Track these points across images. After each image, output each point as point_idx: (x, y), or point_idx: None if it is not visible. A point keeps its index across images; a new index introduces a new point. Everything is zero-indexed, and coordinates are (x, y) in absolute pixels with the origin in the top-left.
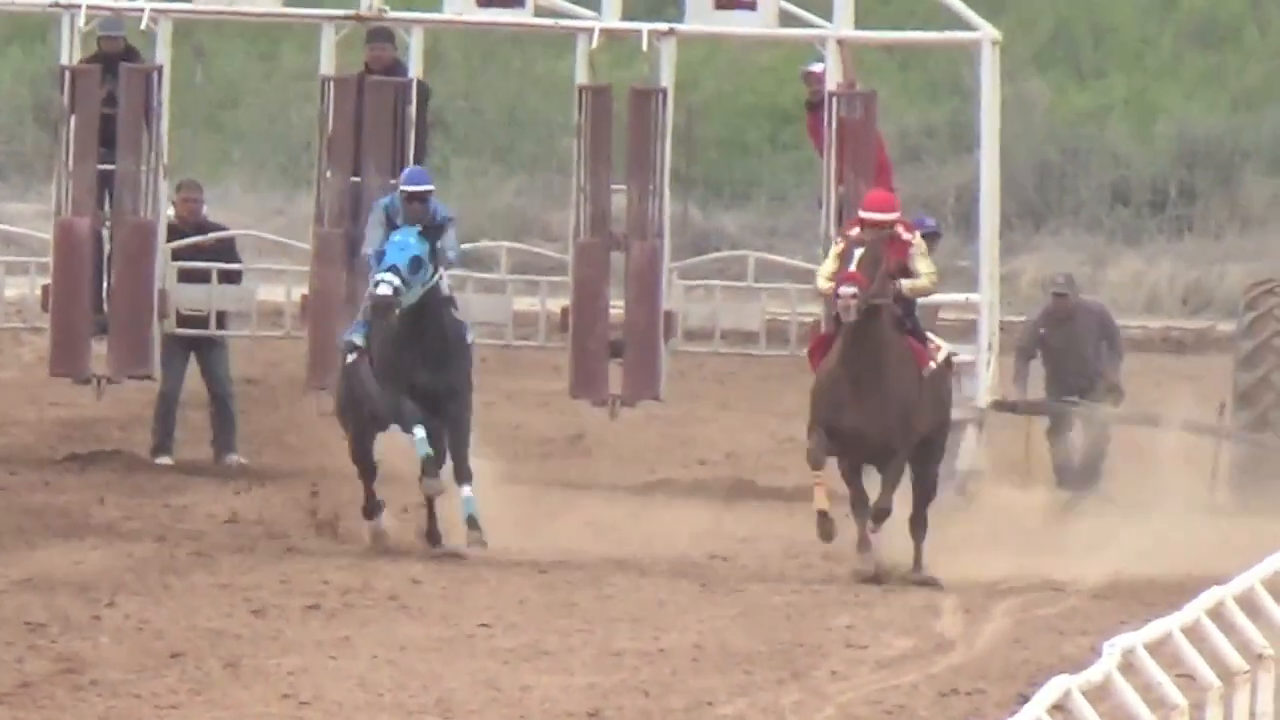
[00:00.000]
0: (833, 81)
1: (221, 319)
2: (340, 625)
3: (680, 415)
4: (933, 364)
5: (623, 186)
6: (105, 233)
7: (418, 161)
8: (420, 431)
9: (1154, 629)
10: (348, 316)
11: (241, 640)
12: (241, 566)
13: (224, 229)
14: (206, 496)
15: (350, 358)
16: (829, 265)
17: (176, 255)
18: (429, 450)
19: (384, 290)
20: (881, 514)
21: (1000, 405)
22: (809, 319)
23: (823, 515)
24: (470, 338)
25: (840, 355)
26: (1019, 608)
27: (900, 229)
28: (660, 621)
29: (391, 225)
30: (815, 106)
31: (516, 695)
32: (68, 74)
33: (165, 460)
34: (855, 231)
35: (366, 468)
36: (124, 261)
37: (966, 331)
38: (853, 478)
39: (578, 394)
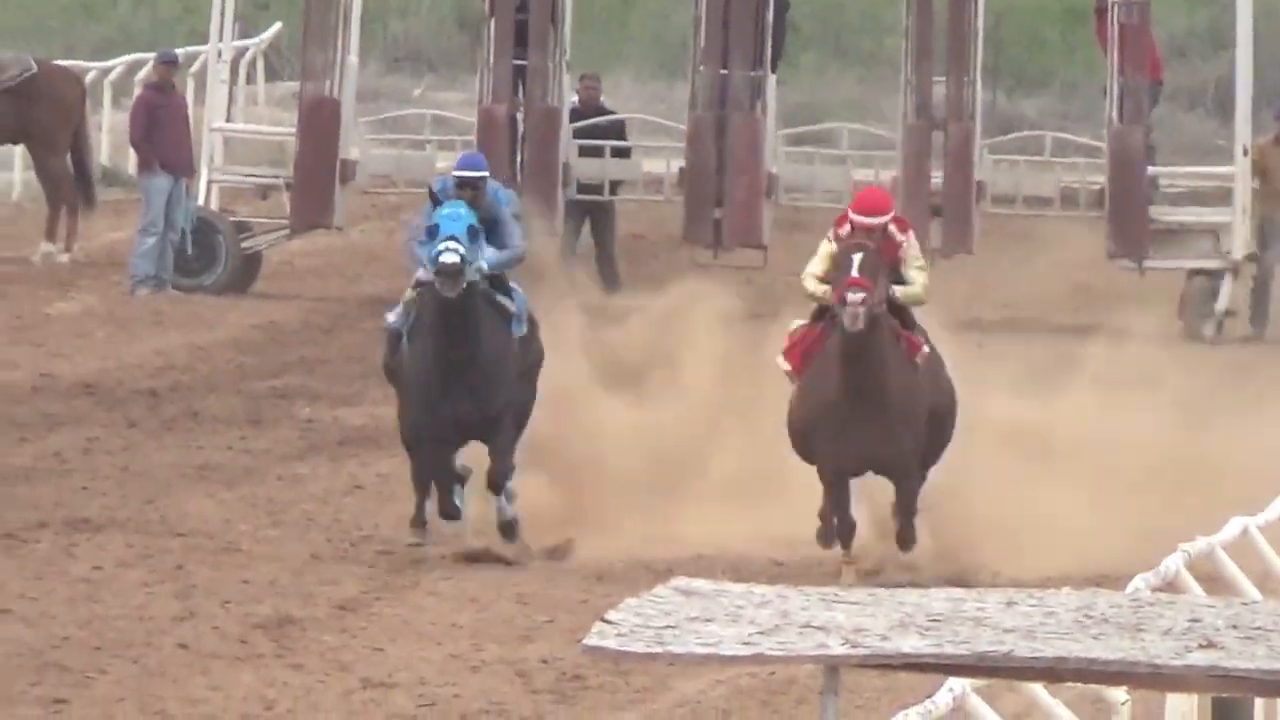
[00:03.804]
0: None
1: (614, 187)
2: None
3: (988, 266)
4: (925, 349)
5: (942, 78)
6: (519, 116)
7: (774, 58)
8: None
9: None
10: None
11: None
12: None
13: (616, 113)
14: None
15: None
16: (817, 265)
17: (577, 134)
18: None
19: (449, 258)
20: (908, 542)
21: (1250, 257)
22: (1095, 186)
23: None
24: (520, 327)
25: (840, 375)
26: None
27: (893, 228)
28: None
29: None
30: (1101, 12)
31: None
32: None
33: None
34: (845, 230)
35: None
36: (534, 140)
37: (1225, 197)
38: (841, 498)
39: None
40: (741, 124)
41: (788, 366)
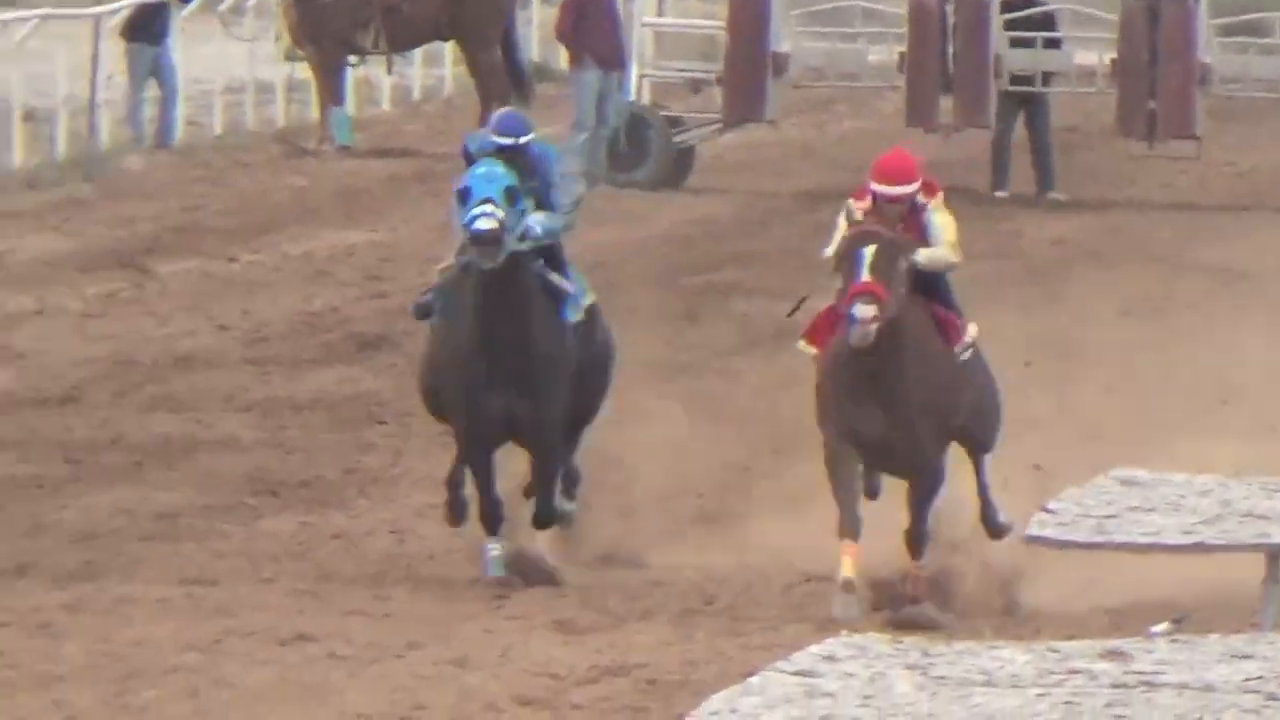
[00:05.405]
0: None
1: (1046, 78)
2: None
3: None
4: (967, 338)
5: None
6: (950, 8)
7: None
8: (494, 549)
9: None
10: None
11: None
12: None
13: (1047, 4)
14: (1033, 223)
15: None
16: (838, 241)
17: (1008, 26)
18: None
19: (485, 224)
20: (921, 545)
21: None
22: None
23: (847, 585)
24: (576, 310)
25: (851, 377)
26: None
27: (921, 197)
28: None
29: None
30: None
31: None
32: None
33: (1002, 194)
34: (865, 204)
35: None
36: (965, 32)
37: None
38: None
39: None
40: (1174, 13)
41: (812, 350)
